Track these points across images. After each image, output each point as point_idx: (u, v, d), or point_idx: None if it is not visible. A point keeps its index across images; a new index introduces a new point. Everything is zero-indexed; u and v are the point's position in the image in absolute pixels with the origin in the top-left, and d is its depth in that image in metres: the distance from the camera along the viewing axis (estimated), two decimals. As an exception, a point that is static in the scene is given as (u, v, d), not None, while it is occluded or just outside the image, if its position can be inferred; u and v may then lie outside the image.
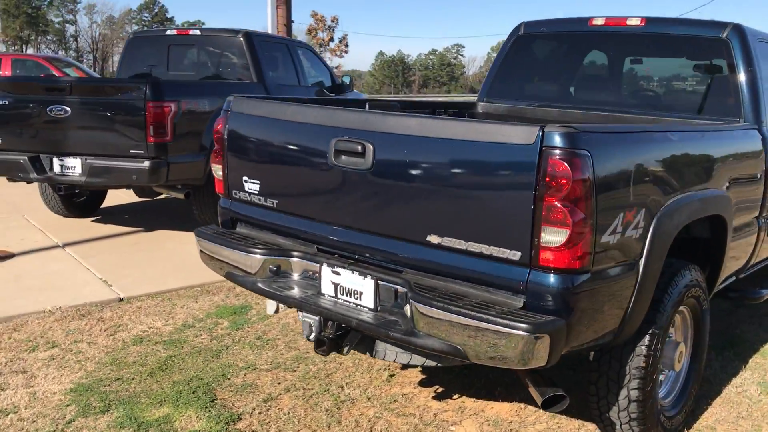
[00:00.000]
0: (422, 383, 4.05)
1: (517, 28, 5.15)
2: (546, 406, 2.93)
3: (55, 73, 13.99)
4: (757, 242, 4.21)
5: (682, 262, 3.38)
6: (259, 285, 3.36)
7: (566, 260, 2.59)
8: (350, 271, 3.13)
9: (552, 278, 2.62)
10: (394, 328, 2.91)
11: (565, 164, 2.52)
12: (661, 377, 3.54)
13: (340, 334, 3.20)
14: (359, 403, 3.77)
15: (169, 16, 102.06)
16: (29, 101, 6.58)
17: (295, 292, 3.32)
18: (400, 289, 2.97)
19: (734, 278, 4.32)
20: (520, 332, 2.54)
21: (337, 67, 20.72)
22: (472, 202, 2.79)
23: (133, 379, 3.99)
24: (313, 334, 3.23)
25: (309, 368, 4.17)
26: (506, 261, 2.71)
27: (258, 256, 3.35)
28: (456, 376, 4.10)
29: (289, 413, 3.64)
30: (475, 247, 2.77)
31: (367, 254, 3.13)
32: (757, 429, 3.68)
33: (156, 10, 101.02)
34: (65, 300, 5.24)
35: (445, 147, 2.81)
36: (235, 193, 3.62)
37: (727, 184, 3.64)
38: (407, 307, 2.87)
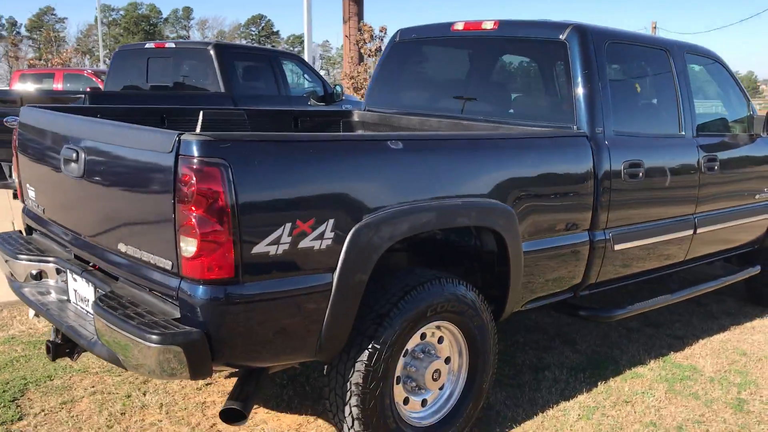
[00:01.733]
0: (232, 392, 4.03)
1: (395, 34, 5.05)
2: (222, 416, 2.89)
3: (100, 85, 14.80)
4: (592, 258, 3.94)
5: (430, 275, 3.22)
6: (21, 290, 3.47)
7: (203, 271, 2.54)
8: (82, 279, 3.19)
9: (195, 288, 2.58)
10: (85, 337, 2.94)
11: (194, 173, 2.49)
12: (428, 396, 3.38)
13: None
14: (148, 409, 3.80)
15: (275, 29, 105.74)
16: (-12, 113, 7.04)
17: (52, 297, 3.41)
18: (106, 296, 3.00)
19: (571, 295, 4.07)
20: (149, 343, 2.52)
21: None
22: (138, 210, 2.80)
23: (-38, 376, 4.20)
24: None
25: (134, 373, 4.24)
26: (165, 271, 2.69)
27: (21, 262, 3.47)
28: (274, 387, 4.07)
29: (73, 416, 3.72)
30: (146, 256, 2.77)
31: (92, 261, 3.18)
32: (541, 456, 3.45)
33: (263, 24, 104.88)
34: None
35: (116, 154, 2.85)
36: (26, 200, 3.76)
37: (515, 195, 3.43)
38: (96, 316, 2.90)
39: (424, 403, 3.38)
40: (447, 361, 3.42)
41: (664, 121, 4.49)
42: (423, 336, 3.30)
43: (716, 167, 4.68)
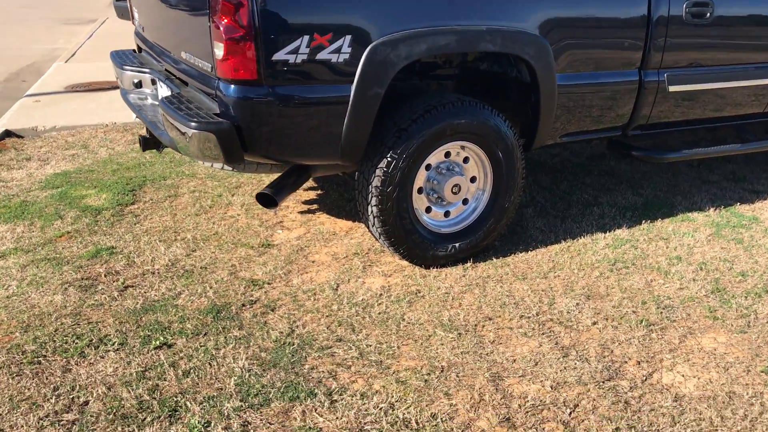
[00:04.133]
0: (307, 201, 4.66)
1: None
2: (258, 198, 3.46)
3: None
4: (641, 98, 4.01)
5: (453, 97, 3.52)
6: (127, 96, 4.19)
7: (231, 71, 3.03)
8: (165, 85, 3.82)
9: (227, 87, 3.09)
10: (159, 128, 3.60)
11: (221, -10, 2.93)
12: (452, 209, 3.76)
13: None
14: (231, 206, 4.52)
15: None
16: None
17: (147, 102, 4.11)
18: (176, 97, 3.61)
19: (619, 134, 4.20)
20: (190, 129, 3.10)
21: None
22: (190, 23, 3.32)
23: (99, 171, 5.14)
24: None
25: (231, 180, 4.97)
26: (207, 73, 3.22)
27: (126, 72, 4.17)
28: (342, 201, 4.65)
29: (172, 206, 4.52)
30: (198, 62, 3.31)
31: (171, 70, 3.78)
32: (539, 271, 3.75)
33: None
34: (125, 119, 6.53)
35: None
36: (134, 22, 4.43)
37: (551, 29, 3.56)
38: (163, 111, 3.53)
39: (447, 214, 3.77)
40: (473, 180, 3.76)
41: (752, -40, 4.26)
42: (447, 154, 3.65)
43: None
